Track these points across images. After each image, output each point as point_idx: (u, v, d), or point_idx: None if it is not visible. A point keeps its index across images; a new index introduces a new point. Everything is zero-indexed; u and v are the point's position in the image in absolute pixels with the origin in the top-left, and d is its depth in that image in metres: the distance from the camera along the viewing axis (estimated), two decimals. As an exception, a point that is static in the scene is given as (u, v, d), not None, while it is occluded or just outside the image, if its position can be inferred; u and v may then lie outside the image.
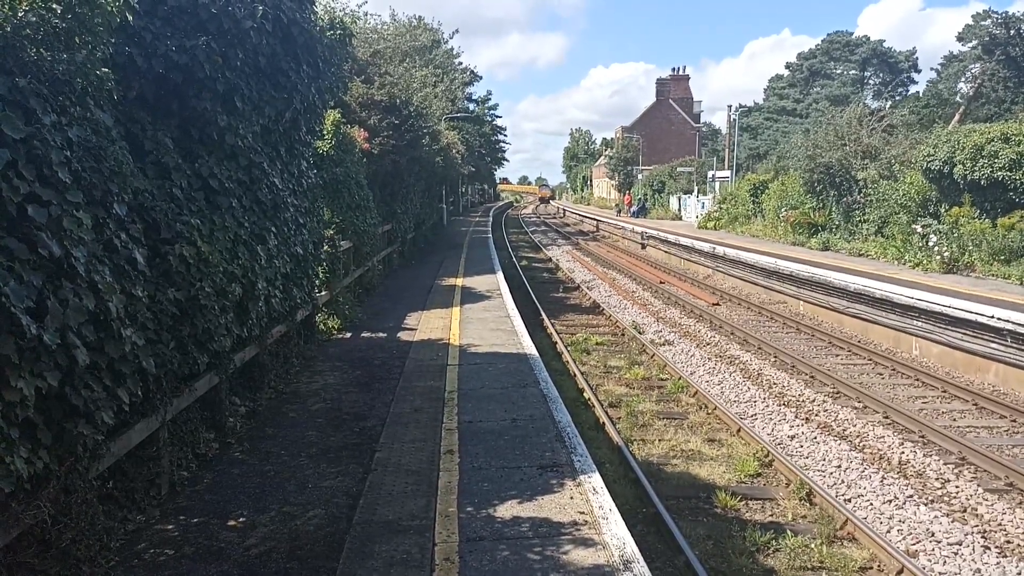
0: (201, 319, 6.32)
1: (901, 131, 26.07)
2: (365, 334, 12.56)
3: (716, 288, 22.01)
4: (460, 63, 41.87)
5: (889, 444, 9.12)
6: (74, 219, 4.33)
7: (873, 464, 8.53)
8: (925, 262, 18.02)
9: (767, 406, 10.72)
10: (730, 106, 50.13)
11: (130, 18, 5.32)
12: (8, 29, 4.22)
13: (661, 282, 22.99)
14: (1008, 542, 6.78)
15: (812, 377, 12.15)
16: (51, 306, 4.04)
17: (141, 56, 6.18)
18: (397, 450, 6.84)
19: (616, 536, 5.06)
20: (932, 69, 65.77)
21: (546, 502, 5.62)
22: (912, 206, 20.90)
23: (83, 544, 4.56)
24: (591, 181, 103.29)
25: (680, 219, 44.80)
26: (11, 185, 3.88)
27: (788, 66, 70.84)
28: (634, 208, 52.34)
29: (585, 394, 11.20)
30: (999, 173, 17.68)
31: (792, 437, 9.44)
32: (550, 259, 32.02)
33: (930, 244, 18.34)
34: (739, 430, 9.56)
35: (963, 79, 44.89)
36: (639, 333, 15.53)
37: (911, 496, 7.68)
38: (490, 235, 36.49)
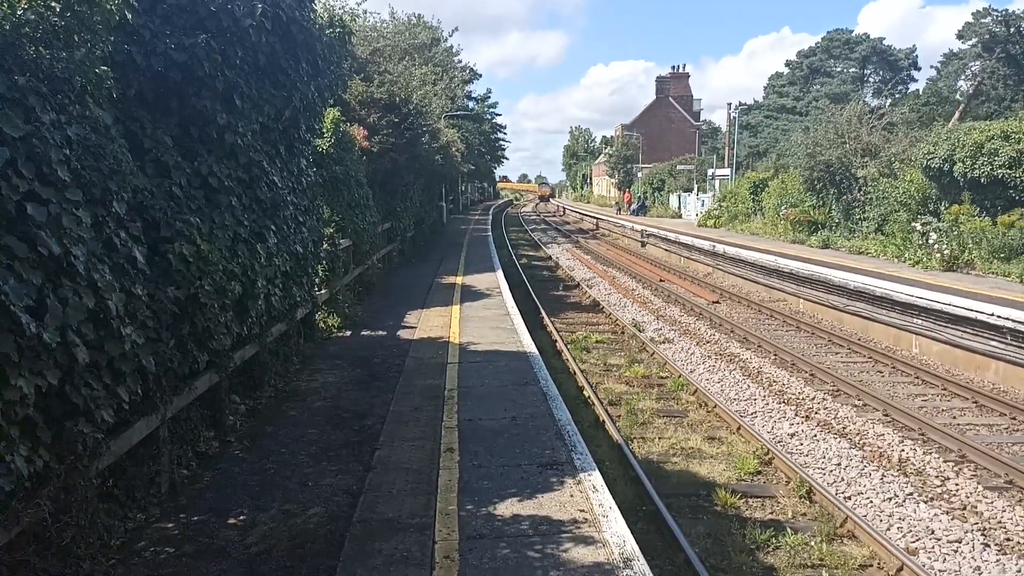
0: (201, 317, 6.32)
1: (901, 129, 26.10)
2: (365, 332, 12.55)
3: (716, 286, 22.01)
4: (460, 61, 41.83)
5: (889, 442, 9.12)
6: (73, 217, 4.32)
7: (873, 462, 8.54)
8: (925, 260, 18.02)
9: (767, 404, 10.73)
10: (730, 104, 50.20)
11: (129, 16, 5.31)
12: (7, 27, 4.22)
13: (661, 280, 22.99)
14: (1008, 540, 6.78)
15: (812, 375, 12.15)
16: (51, 304, 4.04)
17: (140, 54, 6.17)
18: (397, 448, 6.84)
19: (616, 534, 5.06)
20: (932, 67, 65.84)
21: (546, 500, 5.62)
22: (912, 204, 20.90)
23: (83, 542, 4.56)
24: (591, 179, 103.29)
25: (680, 217, 44.80)
26: (10, 183, 3.88)
27: (788, 64, 70.73)
28: (634, 206, 52.34)
29: (585, 392, 11.20)
30: (999, 171, 17.68)
31: (792, 435, 9.44)
32: (550, 257, 32.01)
33: (930, 242, 18.33)
34: (739, 428, 9.56)
35: (963, 77, 44.90)
36: (639, 331, 15.53)
37: (911, 494, 7.69)
38: (490, 233, 36.47)
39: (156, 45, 6.26)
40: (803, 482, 7.71)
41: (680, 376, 11.98)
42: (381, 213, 18.63)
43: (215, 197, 6.95)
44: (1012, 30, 38.01)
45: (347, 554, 4.88)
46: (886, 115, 27.26)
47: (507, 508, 5.48)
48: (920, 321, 13.74)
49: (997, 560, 6.41)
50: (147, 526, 5.41)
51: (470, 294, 16.32)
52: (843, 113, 26.72)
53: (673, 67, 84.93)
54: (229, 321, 7.01)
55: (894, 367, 12.66)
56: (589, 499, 5.63)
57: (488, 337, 11.64)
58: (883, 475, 8.14)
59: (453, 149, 29.62)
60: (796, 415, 10.23)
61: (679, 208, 46.72)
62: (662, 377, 12.25)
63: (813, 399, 10.88)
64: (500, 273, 20.04)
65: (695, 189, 45.05)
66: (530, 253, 34.64)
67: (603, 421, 9.83)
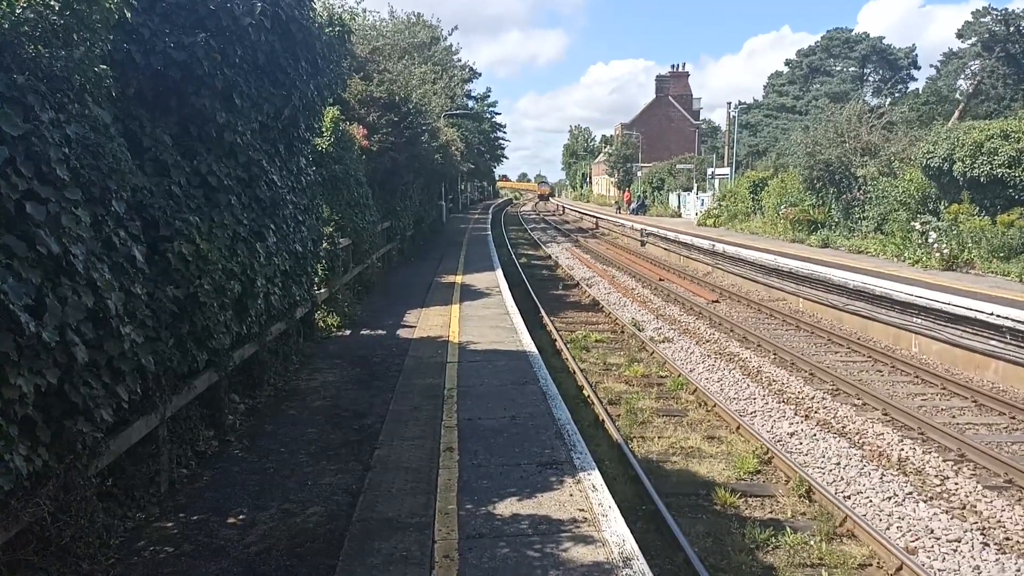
0: (200, 316, 6.31)
1: (901, 128, 26.09)
2: (364, 331, 12.55)
3: (715, 285, 22.01)
4: (459, 60, 41.87)
5: (888, 441, 9.12)
6: (72, 216, 4.32)
7: (872, 461, 8.54)
8: (924, 259, 18.03)
9: (766, 403, 10.73)
10: (729, 103, 50.21)
11: (128, 15, 5.30)
12: (6, 25, 4.21)
13: (660, 279, 22.99)
14: (1007, 539, 6.79)
15: (811, 374, 12.15)
16: (50, 304, 4.04)
17: (139, 53, 6.16)
18: (397, 447, 6.84)
19: (616, 533, 5.06)
20: (932, 66, 65.83)
21: (546, 499, 5.62)
22: (912, 203, 20.90)
23: (82, 541, 4.56)
24: (590, 178, 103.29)
25: (680, 216, 44.80)
26: (9, 182, 3.88)
27: (788, 63, 70.68)
28: (634, 205, 52.31)
29: (584, 391, 11.20)
30: (998, 170, 17.68)
31: (791, 434, 9.44)
32: (549, 256, 32.01)
33: (929, 241, 18.34)
34: (738, 427, 9.56)
35: (963, 76, 44.87)
36: (638, 330, 15.53)
37: (910, 493, 7.69)
38: (489, 232, 36.45)
39: (155, 44, 6.25)
40: (802, 481, 7.71)
41: (680, 375, 11.98)
42: (380, 212, 18.62)
43: (214, 196, 6.94)
44: (1012, 29, 38.00)
45: (346, 553, 4.88)
46: (886, 114, 27.26)
47: (506, 507, 5.48)
48: (920, 320, 13.74)
49: (996, 559, 6.41)
50: (146, 525, 5.41)
51: (470, 293, 16.32)
52: (843, 112, 26.72)
53: (673, 66, 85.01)
54: (228, 320, 7.01)
55: (893, 366, 12.66)
56: (589, 498, 5.63)
57: (488, 336, 11.64)
58: (882, 474, 8.14)
59: (453, 148, 29.61)
60: (795, 414, 10.23)
61: (679, 207, 46.73)
62: (662, 376, 12.25)
63: (812, 398, 10.88)
64: (499, 272, 20.03)
65: (695, 188, 45.06)
66: (529, 252, 34.63)
67: (603, 420, 9.82)
